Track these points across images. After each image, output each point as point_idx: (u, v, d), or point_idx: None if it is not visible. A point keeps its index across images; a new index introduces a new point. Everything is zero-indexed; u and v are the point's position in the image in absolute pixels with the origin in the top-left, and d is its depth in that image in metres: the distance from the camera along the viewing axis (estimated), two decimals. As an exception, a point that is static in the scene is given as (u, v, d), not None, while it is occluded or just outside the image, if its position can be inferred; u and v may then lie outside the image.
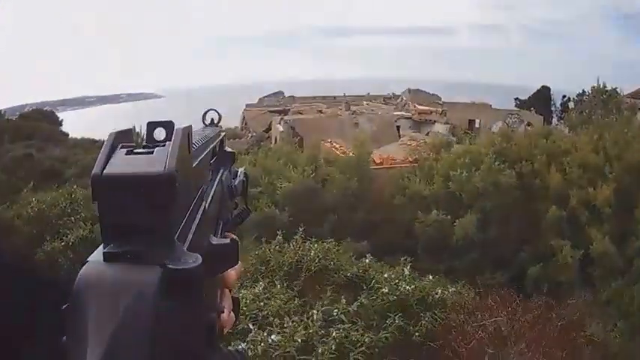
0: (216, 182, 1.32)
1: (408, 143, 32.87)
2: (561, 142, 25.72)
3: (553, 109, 50.93)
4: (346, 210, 23.66)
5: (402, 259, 14.09)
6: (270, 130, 45.12)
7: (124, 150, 0.93)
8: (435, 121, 41.63)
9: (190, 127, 1.02)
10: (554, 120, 45.13)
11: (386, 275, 12.29)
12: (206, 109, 1.62)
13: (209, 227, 1.16)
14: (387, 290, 11.34)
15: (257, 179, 24.06)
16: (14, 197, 19.35)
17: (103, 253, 0.84)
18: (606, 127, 26.11)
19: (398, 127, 41.62)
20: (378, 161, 29.24)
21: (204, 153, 1.22)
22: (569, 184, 23.02)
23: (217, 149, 1.47)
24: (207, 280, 0.94)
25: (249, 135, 47.33)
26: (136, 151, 0.93)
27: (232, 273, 1.16)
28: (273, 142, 40.98)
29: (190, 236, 0.96)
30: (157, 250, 0.84)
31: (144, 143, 0.96)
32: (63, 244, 15.49)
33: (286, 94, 55.40)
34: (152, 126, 1.00)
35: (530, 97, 52.92)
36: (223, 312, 1.14)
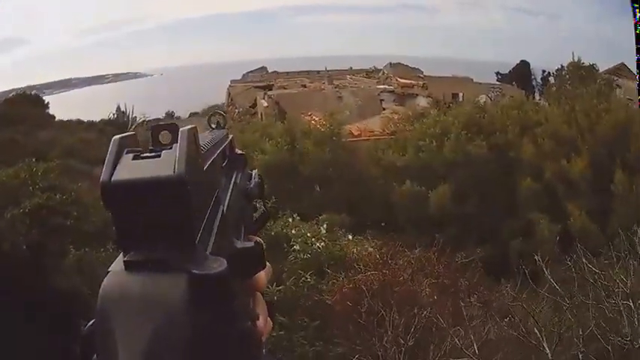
0: (231, 186, 1.24)
1: (390, 116, 32.47)
2: (533, 114, 25.27)
3: (534, 84, 50.39)
4: (322, 182, 23.36)
5: (320, 216, 14.51)
6: (256, 105, 44.67)
7: (131, 155, 0.87)
8: (417, 95, 41.19)
9: (195, 128, 0.92)
10: (537, 95, 44.98)
11: (294, 231, 12.38)
12: (210, 113, 1.55)
13: (231, 232, 1.06)
14: (299, 248, 11.68)
15: None
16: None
17: (124, 261, 0.78)
18: (578, 99, 25.49)
19: (381, 101, 41.02)
20: (356, 133, 28.92)
21: (214, 156, 1.13)
22: (543, 157, 22.48)
23: (227, 152, 1.39)
24: (236, 286, 0.90)
25: (236, 111, 46.45)
26: (143, 155, 0.87)
27: (262, 276, 1.05)
28: (259, 117, 40.71)
29: (212, 240, 0.88)
30: (179, 256, 0.78)
31: (150, 147, 0.91)
32: (21, 210, 15.89)
33: (270, 71, 54.83)
34: (157, 129, 0.94)
35: (510, 71, 52.41)
36: (259, 318, 1.02)
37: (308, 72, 51.96)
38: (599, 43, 52.25)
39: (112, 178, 0.80)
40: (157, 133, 0.92)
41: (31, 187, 17.08)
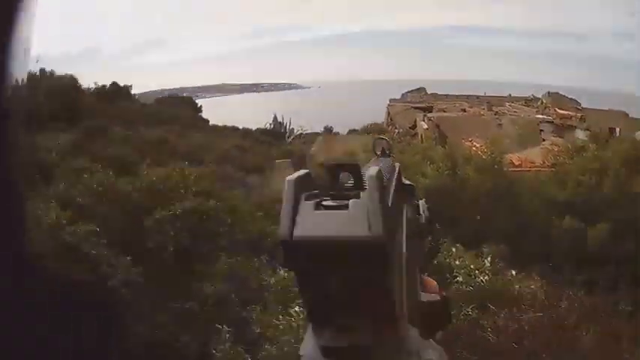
0: (404, 224, 1.12)
1: (550, 148, 32.15)
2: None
3: None
4: (482, 210, 23.12)
5: (484, 248, 14.17)
6: (416, 126, 44.05)
7: (311, 203, 0.83)
8: (575, 127, 40.60)
9: (381, 172, 0.86)
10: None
11: (457, 262, 11.83)
12: (375, 138, 1.49)
13: (412, 279, 1.03)
14: (462, 279, 11.15)
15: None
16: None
17: (322, 347, 0.76)
18: None
19: (541, 131, 40.66)
20: (517, 163, 29.21)
21: (392, 189, 1.05)
22: None
23: (397, 183, 1.22)
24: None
25: (396, 131, 45.63)
26: (325, 204, 0.82)
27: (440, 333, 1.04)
28: (419, 139, 40.15)
29: (406, 304, 0.85)
30: (386, 342, 0.75)
31: (330, 192, 0.86)
32: (170, 213, 15.83)
33: (428, 92, 53.35)
34: (335, 169, 0.89)
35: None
36: None
37: (467, 96, 51.38)
38: None
39: (295, 234, 0.76)
40: (337, 173, 0.87)
41: (183, 191, 17.19)
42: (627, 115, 43.92)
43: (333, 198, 0.83)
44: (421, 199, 1.43)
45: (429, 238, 1.45)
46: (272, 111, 49.70)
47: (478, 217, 22.47)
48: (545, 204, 23.55)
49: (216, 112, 55.44)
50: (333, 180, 0.87)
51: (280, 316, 10.48)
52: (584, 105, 46.25)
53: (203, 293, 13.87)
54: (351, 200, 0.80)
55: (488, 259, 12.64)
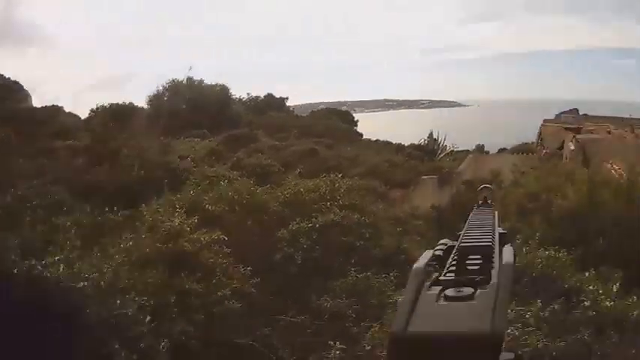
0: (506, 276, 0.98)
1: None
2: None
3: None
4: (611, 233, 21.28)
5: (616, 274, 13.01)
6: (563, 147, 44.36)
7: (434, 292, 0.84)
8: None
9: (512, 264, 0.90)
10: None
11: (592, 287, 11.13)
12: (481, 187, 1.65)
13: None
14: (588, 304, 10.32)
15: (537, 194, 23.68)
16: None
17: None
18: None
19: None
20: None
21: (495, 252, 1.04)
22: None
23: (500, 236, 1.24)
24: None
25: (544, 151, 47.04)
26: (449, 294, 0.83)
27: None
28: (564, 159, 40.97)
29: None
30: None
31: (455, 277, 0.90)
32: (310, 225, 15.04)
33: (581, 112, 54.35)
34: (465, 252, 0.93)
35: None
36: None
37: (614, 118, 51.68)
38: None
39: (409, 329, 0.75)
40: (465, 257, 0.91)
41: (329, 203, 16.38)
42: None
43: (457, 285, 0.87)
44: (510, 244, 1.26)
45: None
46: (428, 127, 50.08)
47: (601, 241, 20.58)
48: None
49: (372, 126, 58.58)
50: (462, 263, 0.95)
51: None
52: None
53: (320, 308, 12.64)
54: (478, 291, 0.84)
55: (617, 284, 11.67)
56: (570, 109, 55.76)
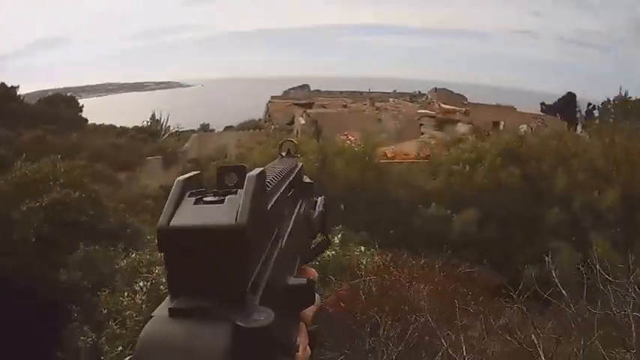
0: (293, 217, 1.24)
1: (427, 141, 32.74)
2: (572, 145, 25.51)
3: (578, 115, 49.60)
4: (348, 201, 23.30)
5: (336, 227, 14.51)
6: (294, 123, 44.92)
7: (193, 198, 0.90)
8: (458, 121, 41.34)
9: (264, 172, 0.96)
10: (579, 127, 44.64)
11: None
12: (283, 140, 1.55)
13: (286, 266, 1.12)
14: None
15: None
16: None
17: (169, 308, 0.81)
18: (618, 132, 25.77)
19: (421, 125, 41.45)
20: (390, 155, 29.29)
21: (281, 191, 1.16)
22: (575, 187, 22.90)
23: (296, 181, 1.36)
24: (282, 320, 0.92)
25: (272, 127, 46.62)
26: (205, 199, 0.90)
27: (310, 311, 1.14)
28: (295, 134, 40.74)
29: (263, 285, 0.91)
30: (226, 306, 0.81)
31: (214, 189, 0.94)
32: (37, 204, 16.15)
33: (312, 89, 55.17)
34: (223, 170, 0.96)
35: (556, 102, 51.87)
36: (298, 350, 1.08)
37: (351, 92, 52.45)
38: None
39: (171, 223, 0.83)
40: (224, 175, 0.95)
41: (51, 183, 17.32)
42: (515, 109, 45.55)
43: (215, 195, 0.90)
44: (322, 195, 1.51)
45: (322, 233, 1.46)
46: (153, 109, 50.65)
47: (342, 207, 22.73)
48: (413, 193, 24.18)
49: (98, 111, 56.72)
50: (221, 181, 0.95)
51: (126, 294, 11.02)
52: (475, 100, 47.60)
53: (56, 281, 14.37)
54: (228, 196, 0.88)
55: (339, 235, 13.37)
56: (300, 86, 55.60)
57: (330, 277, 11.98)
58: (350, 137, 31.54)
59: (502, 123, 41.60)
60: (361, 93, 51.80)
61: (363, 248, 14.15)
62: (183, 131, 48.78)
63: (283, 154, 1.47)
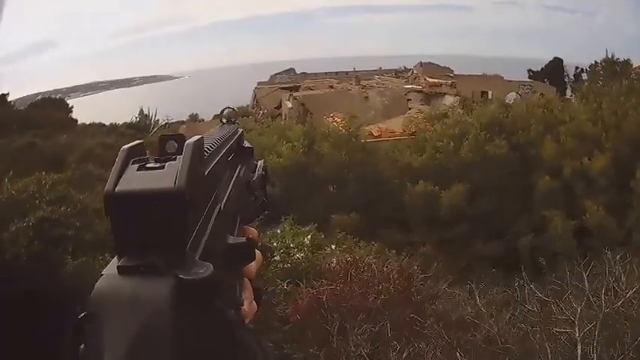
0: (233, 180, 1.33)
1: (415, 116, 32.36)
2: (558, 112, 25.29)
3: (566, 80, 49.86)
4: (337, 183, 23.71)
5: (311, 224, 14.98)
6: (281, 107, 44.67)
7: (136, 165, 0.95)
8: (445, 94, 41.22)
9: (202, 138, 1.02)
10: (568, 91, 44.46)
11: (276, 244, 12.87)
12: (224, 108, 1.67)
13: (226, 226, 1.18)
14: (279, 258, 12.28)
15: None
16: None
17: (117, 266, 0.87)
18: (606, 96, 25.57)
19: (409, 100, 41.05)
20: (376, 134, 29.13)
21: (220, 155, 1.23)
22: (564, 155, 22.80)
23: (235, 146, 1.48)
24: (226, 276, 1.04)
25: (261, 112, 46.91)
26: (147, 166, 0.95)
27: (252, 266, 1.18)
28: (283, 118, 40.57)
29: (203, 243, 0.96)
30: (168, 262, 0.86)
31: (155, 157, 0.99)
32: (24, 224, 15.94)
33: (298, 72, 54.88)
34: (164, 139, 1.02)
35: (542, 68, 51.64)
36: (243, 304, 1.14)
37: (337, 73, 52.27)
38: (635, 40, 51.32)
39: (116, 189, 0.89)
40: (164, 143, 1.01)
41: (37, 201, 17.14)
42: (502, 78, 45.34)
43: (156, 162, 0.96)
44: (260, 159, 1.61)
45: (261, 196, 1.54)
46: (143, 105, 50.65)
47: (332, 189, 23.35)
48: (401, 171, 24.19)
49: (88, 110, 55.32)
50: (162, 149, 1.00)
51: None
52: (462, 72, 47.25)
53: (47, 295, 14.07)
54: (168, 162, 0.94)
55: (309, 237, 13.70)
56: (286, 70, 55.17)
57: (299, 282, 12.25)
58: (335, 118, 31.30)
59: (490, 92, 41.45)
60: (347, 73, 51.41)
61: (334, 247, 14.30)
62: (172, 123, 48.27)
63: (224, 120, 1.59)
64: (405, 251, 17.93)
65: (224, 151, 1.28)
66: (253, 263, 1.16)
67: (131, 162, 0.95)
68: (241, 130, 1.58)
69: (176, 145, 1.00)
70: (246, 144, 1.57)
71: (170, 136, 1.02)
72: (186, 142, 0.97)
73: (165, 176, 0.90)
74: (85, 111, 53.57)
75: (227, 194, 1.21)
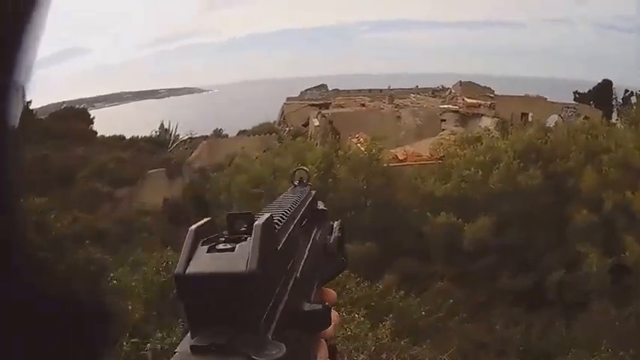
0: (308, 246, 1.29)
1: (447, 138, 30.97)
2: (603, 139, 23.37)
3: (614, 103, 48.01)
4: (354, 211, 22.08)
5: None
6: (309, 124, 43.80)
7: (206, 247, 0.93)
8: (482, 115, 39.98)
9: (271, 218, 1.01)
10: (615, 115, 42.87)
11: None
12: (295, 169, 1.60)
13: (302, 294, 1.16)
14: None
15: (263, 178, 23.71)
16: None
17: (190, 345, 0.85)
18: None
19: (443, 121, 40.00)
20: (401, 158, 27.92)
21: (293, 224, 1.19)
22: (606, 186, 21.02)
23: (308, 211, 1.40)
24: (301, 347, 1.04)
25: (287, 130, 45.78)
26: (218, 247, 0.93)
27: (329, 329, 1.16)
28: (309, 137, 39.42)
29: (277, 317, 0.95)
30: (241, 341, 0.85)
31: (226, 235, 0.97)
32: None
33: (331, 88, 53.81)
34: (232, 218, 1.00)
35: (590, 90, 50.01)
36: None
37: (370, 90, 51.01)
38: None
39: (187, 271, 0.87)
40: (233, 222, 0.97)
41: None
42: (545, 99, 43.86)
43: (226, 242, 0.95)
44: (337, 220, 1.56)
45: (340, 257, 1.51)
46: (168, 117, 50.02)
47: (348, 216, 21.45)
48: (422, 199, 22.92)
49: (111, 122, 55.63)
50: (231, 227, 1.00)
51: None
52: (505, 93, 45.80)
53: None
54: (238, 244, 0.93)
55: None
56: (318, 86, 54.14)
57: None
58: (360, 139, 30.06)
59: (530, 114, 39.76)
60: (381, 90, 50.29)
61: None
62: (195, 137, 47.65)
63: (296, 182, 1.54)
64: (423, 284, 18.06)
65: (297, 219, 1.25)
66: (332, 324, 1.15)
67: (200, 243, 0.94)
68: (314, 191, 1.52)
69: (245, 224, 0.98)
70: (321, 205, 1.53)
71: (238, 215, 1.00)
72: (255, 224, 0.95)
73: (237, 259, 0.89)
74: (108, 122, 54.18)
75: (302, 262, 1.18)
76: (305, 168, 1.60)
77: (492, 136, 27.05)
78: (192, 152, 42.15)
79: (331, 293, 1.36)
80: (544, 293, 18.97)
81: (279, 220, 1.09)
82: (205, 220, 0.99)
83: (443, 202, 22.09)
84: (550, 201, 21.60)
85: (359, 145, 28.03)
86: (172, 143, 46.55)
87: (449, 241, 20.88)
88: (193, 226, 0.95)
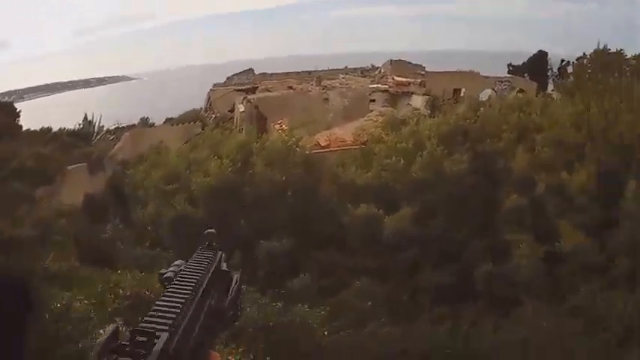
0: (204, 312, 1.31)
1: (374, 119, 29.98)
2: (536, 116, 22.75)
3: (550, 74, 47.66)
4: (272, 203, 21.25)
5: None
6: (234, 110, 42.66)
7: None
8: (412, 93, 38.79)
9: (169, 342, 1.04)
10: (550, 86, 42.13)
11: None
12: (206, 232, 1.58)
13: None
14: None
15: (177, 174, 23.00)
16: None
17: None
18: (594, 95, 22.66)
19: (372, 101, 38.82)
20: (323, 144, 26.85)
21: (193, 305, 1.23)
22: (539, 167, 20.30)
23: (211, 276, 1.43)
24: None
25: (213, 117, 44.93)
26: None
27: None
28: (235, 123, 38.76)
29: None
30: None
31: (127, 349, 1.02)
32: None
33: (258, 72, 52.07)
34: (134, 333, 1.04)
35: (525, 62, 49.56)
36: None
37: (298, 72, 49.98)
38: (625, 30, 48.30)
39: None
40: (135, 337, 1.02)
41: None
42: (478, 74, 42.97)
43: (127, 355, 1.01)
44: (237, 272, 1.58)
45: (235, 310, 1.55)
46: (98, 106, 49.44)
47: (265, 210, 21.10)
48: (343, 189, 21.99)
49: (38, 114, 54.68)
50: (133, 341, 1.04)
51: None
52: (438, 68, 45.14)
53: None
54: None
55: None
56: (245, 70, 52.37)
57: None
58: (283, 125, 29.18)
59: (463, 90, 39.34)
60: (310, 72, 49.35)
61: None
62: (122, 127, 46.26)
63: (205, 244, 1.55)
64: (340, 284, 17.63)
65: (198, 295, 1.27)
66: None
67: (107, 355, 0.99)
68: (221, 253, 1.52)
69: (145, 339, 1.02)
70: (224, 267, 1.52)
71: (141, 332, 1.03)
72: (154, 349, 0.99)
73: None
74: (35, 114, 53.24)
75: (196, 329, 1.22)
76: (213, 230, 1.54)
77: (418, 119, 25.96)
78: (116, 144, 40.71)
79: (217, 356, 1.34)
80: (471, 288, 17.89)
81: (176, 307, 1.12)
82: (112, 330, 1.01)
83: (364, 191, 21.10)
84: (477, 184, 20.40)
85: (280, 131, 27.09)
86: (96, 135, 45.09)
87: (369, 232, 19.75)
88: (100, 340, 0.97)
